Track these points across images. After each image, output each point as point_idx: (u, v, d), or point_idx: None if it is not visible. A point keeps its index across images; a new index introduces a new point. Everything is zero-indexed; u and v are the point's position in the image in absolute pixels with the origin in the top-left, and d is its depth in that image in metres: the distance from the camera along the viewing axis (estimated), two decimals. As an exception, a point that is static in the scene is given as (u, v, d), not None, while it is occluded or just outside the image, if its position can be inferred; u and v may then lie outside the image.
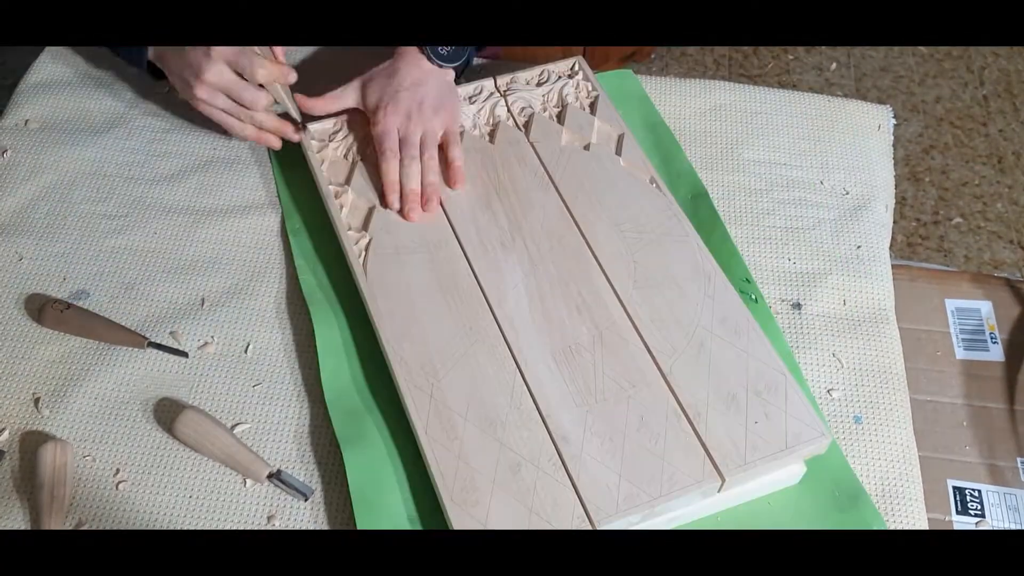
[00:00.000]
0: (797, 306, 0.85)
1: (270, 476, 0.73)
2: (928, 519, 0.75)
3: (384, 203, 0.84)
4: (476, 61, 1.01)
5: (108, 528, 0.71)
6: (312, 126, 0.90)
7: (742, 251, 0.87)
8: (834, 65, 2.02)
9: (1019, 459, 0.84)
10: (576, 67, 0.95)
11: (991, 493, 0.81)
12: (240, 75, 0.84)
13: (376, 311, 0.78)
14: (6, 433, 0.76)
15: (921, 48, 2.06)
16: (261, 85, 0.85)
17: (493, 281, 0.80)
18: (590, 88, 0.93)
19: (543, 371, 0.74)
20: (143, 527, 0.72)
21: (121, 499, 0.73)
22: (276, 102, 0.87)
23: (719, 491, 0.69)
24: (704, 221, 0.88)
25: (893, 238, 0.94)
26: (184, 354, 0.80)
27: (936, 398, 0.87)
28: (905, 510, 0.74)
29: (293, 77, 0.86)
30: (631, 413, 0.71)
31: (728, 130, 0.96)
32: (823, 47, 2.04)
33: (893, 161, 0.97)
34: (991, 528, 0.79)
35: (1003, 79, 2.01)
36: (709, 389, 0.72)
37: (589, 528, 0.66)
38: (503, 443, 0.70)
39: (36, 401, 0.78)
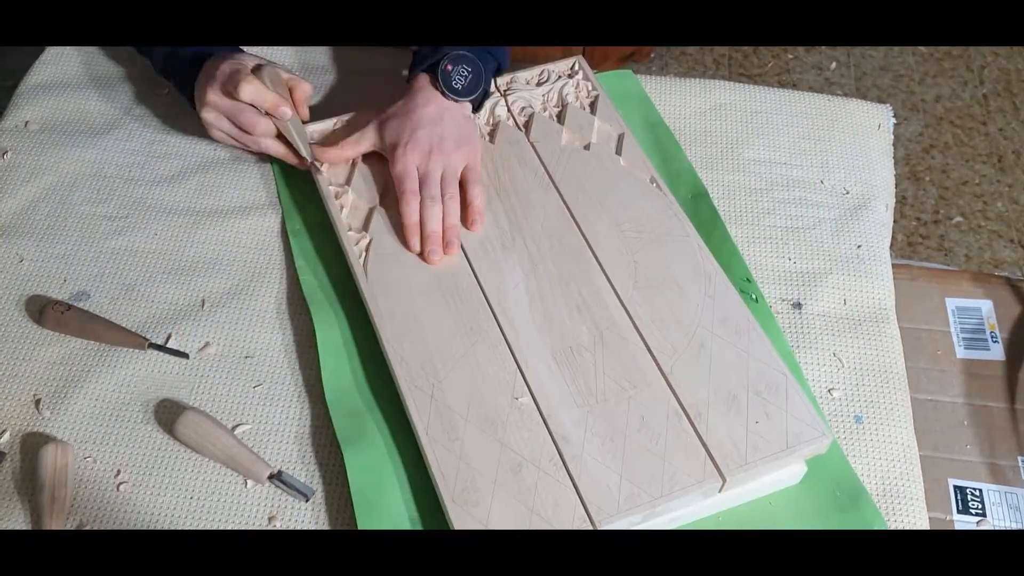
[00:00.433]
0: (797, 305, 0.85)
1: (271, 477, 0.73)
2: (929, 518, 0.75)
3: (405, 245, 0.82)
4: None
5: (109, 529, 0.71)
6: (311, 126, 0.90)
7: (742, 250, 0.87)
8: (834, 64, 2.02)
9: (1020, 458, 0.83)
10: (576, 67, 0.95)
11: (992, 492, 0.81)
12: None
13: (376, 311, 0.78)
14: (7, 435, 0.76)
15: (921, 47, 2.06)
16: (269, 114, 0.84)
17: (493, 281, 0.80)
18: (590, 88, 0.93)
19: (544, 371, 0.74)
20: (144, 528, 0.72)
21: (122, 500, 0.73)
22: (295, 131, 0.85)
23: (720, 491, 0.69)
24: (704, 220, 0.88)
25: (893, 237, 0.94)
26: (184, 355, 0.80)
27: (937, 397, 0.87)
28: (906, 509, 0.74)
29: (286, 112, 0.83)
30: (632, 413, 0.71)
31: (728, 130, 0.96)
32: (823, 47, 2.04)
33: (893, 160, 0.97)
34: (992, 527, 0.79)
35: (1003, 78, 2.01)
36: (710, 389, 0.72)
37: (590, 528, 0.66)
38: (504, 443, 0.70)
39: (37, 402, 0.78)
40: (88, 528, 0.71)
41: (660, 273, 0.79)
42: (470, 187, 0.84)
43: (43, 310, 0.81)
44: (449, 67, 0.86)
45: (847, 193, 0.92)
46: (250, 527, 0.72)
